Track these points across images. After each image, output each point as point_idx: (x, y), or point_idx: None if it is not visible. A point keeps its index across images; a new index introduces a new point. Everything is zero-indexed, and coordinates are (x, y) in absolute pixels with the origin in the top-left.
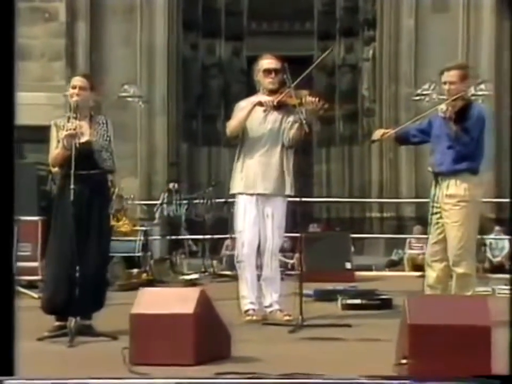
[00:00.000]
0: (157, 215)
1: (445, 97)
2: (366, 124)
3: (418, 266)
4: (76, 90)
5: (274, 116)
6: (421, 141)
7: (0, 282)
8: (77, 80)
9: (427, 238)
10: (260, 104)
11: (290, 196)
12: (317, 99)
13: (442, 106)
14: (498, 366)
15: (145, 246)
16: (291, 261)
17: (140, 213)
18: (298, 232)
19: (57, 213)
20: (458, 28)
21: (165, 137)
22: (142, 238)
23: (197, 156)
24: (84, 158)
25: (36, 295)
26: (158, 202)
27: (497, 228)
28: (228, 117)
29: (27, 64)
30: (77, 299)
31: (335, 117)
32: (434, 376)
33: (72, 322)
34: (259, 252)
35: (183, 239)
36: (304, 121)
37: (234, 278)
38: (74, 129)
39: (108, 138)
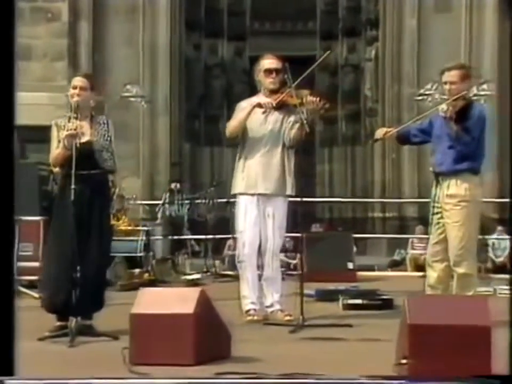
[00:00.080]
0: (159, 215)
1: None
2: (369, 124)
3: (420, 267)
4: (77, 91)
5: (275, 116)
6: (422, 141)
7: (1, 282)
8: (78, 80)
9: (429, 238)
10: (259, 105)
11: (291, 196)
12: (318, 99)
13: (443, 106)
14: (498, 366)
15: (147, 246)
16: (294, 261)
17: (142, 213)
18: (299, 232)
19: (57, 213)
20: (460, 28)
21: (167, 137)
22: (144, 238)
23: (199, 156)
24: (85, 158)
25: (36, 295)
26: (160, 202)
27: (499, 228)
28: (230, 117)
29: (29, 64)
30: (77, 299)
31: (337, 117)
32: (434, 376)
33: (72, 322)
34: (260, 252)
35: (185, 239)
36: (305, 121)
37: (237, 278)
38: (75, 129)
39: (109, 138)
